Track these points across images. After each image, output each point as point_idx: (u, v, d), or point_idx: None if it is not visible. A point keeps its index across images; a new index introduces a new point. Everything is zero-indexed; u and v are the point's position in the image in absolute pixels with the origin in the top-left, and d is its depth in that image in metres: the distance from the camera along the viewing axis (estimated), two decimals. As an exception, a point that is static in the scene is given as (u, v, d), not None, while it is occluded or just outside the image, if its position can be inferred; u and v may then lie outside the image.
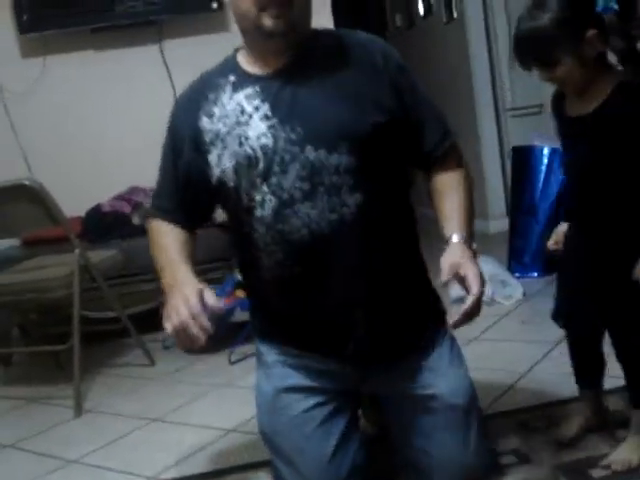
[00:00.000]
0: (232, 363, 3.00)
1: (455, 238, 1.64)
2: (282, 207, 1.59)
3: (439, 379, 1.71)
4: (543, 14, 1.55)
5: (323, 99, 1.62)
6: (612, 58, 1.64)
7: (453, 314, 1.60)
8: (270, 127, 1.60)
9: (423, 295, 1.78)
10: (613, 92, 1.59)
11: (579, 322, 1.81)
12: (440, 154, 1.73)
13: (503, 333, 2.96)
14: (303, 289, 1.65)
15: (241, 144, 1.62)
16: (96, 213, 3.81)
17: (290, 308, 1.71)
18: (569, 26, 1.55)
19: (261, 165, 1.60)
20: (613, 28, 1.59)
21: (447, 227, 1.68)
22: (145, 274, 3.55)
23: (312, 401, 1.72)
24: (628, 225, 1.66)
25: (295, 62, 1.65)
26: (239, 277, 3.22)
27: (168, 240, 1.79)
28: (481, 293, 1.58)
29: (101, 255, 3.09)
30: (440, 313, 1.81)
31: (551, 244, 1.88)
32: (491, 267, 3.51)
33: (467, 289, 1.58)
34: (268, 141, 1.60)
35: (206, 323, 1.52)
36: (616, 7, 1.80)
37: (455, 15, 4.98)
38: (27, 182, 2.65)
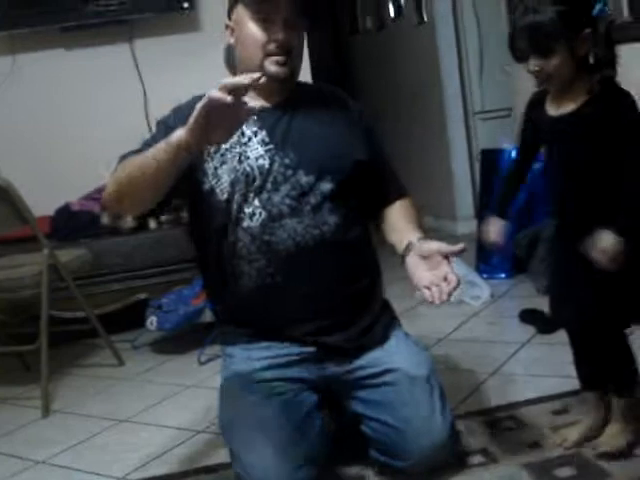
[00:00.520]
0: (202, 363, 3.00)
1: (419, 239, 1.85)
2: (270, 220, 1.79)
3: (396, 356, 1.87)
4: (546, 7, 1.61)
5: (313, 134, 1.86)
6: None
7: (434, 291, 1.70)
8: (267, 151, 1.82)
9: (380, 299, 1.99)
10: (596, 91, 1.64)
11: (582, 317, 1.79)
12: (393, 199, 2.01)
13: (471, 333, 2.99)
14: (280, 296, 1.81)
15: (241, 162, 1.81)
16: (65, 212, 3.78)
17: (263, 313, 1.85)
18: (569, 21, 1.61)
19: (257, 183, 1.80)
20: (602, 32, 1.65)
21: (407, 234, 1.88)
22: (114, 274, 3.54)
23: (276, 389, 1.80)
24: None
25: (288, 100, 1.87)
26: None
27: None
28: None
29: (70, 254, 3.07)
30: (391, 313, 2.01)
31: (490, 236, 1.91)
32: (459, 268, 3.50)
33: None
34: (265, 162, 1.81)
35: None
36: (609, 11, 1.82)
37: (425, 18, 5.01)
38: (-5, 181, 2.63)
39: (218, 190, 1.81)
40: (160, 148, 1.61)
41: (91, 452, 2.29)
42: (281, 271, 1.80)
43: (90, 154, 4.04)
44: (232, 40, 1.87)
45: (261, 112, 1.78)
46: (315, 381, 1.87)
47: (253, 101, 1.74)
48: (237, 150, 1.82)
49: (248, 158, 1.82)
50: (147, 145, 1.79)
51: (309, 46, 2.48)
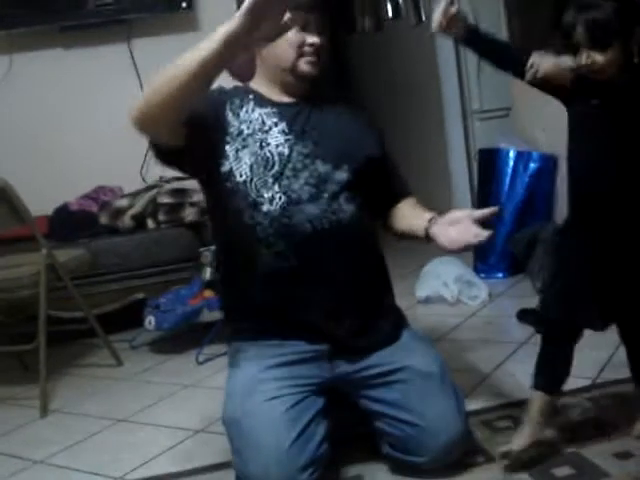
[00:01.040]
0: (200, 363, 3.00)
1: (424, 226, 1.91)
2: (290, 204, 1.84)
3: (408, 353, 1.91)
4: (604, 3, 1.64)
5: (330, 127, 1.95)
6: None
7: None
8: (287, 140, 1.89)
9: (389, 295, 2.05)
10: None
11: (582, 319, 1.78)
12: (401, 197, 2.10)
13: (469, 333, 3.00)
14: (295, 281, 1.85)
15: (262, 147, 1.87)
16: (63, 212, 3.79)
17: (277, 300, 1.88)
18: (627, 17, 1.64)
19: (276, 168, 1.86)
20: None
21: (426, 214, 1.95)
22: (112, 274, 3.55)
23: (286, 389, 1.80)
24: None
25: (309, 97, 1.96)
26: (207, 277, 3.23)
27: None
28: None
29: (68, 254, 3.07)
30: (400, 312, 2.06)
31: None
32: (457, 268, 3.55)
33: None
34: (285, 150, 1.88)
35: None
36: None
37: (423, 18, 5.01)
38: (-7, 181, 2.63)
39: (237, 172, 1.86)
40: (206, 41, 1.64)
41: (89, 452, 2.29)
42: (297, 254, 1.84)
43: (88, 154, 4.06)
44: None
45: (282, 106, 1.93)
46: (325, 380, 1.88)
47: (277, 97, 1.94)
48: (258, 136, 1.88)
49: (269, 144, 1.88)
50: None
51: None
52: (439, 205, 2.11)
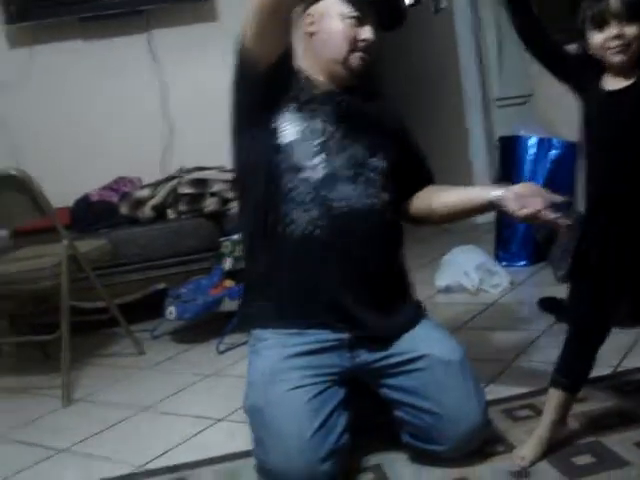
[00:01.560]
0: (221, 353, 3.01)
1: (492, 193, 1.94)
2: (330, 177, 1.88)
3: (428, 342, 1.90)
4: None
5: (367, 118, 2.00)
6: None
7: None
8: (329, 124, 1.92)
9: (406, 282, 2.07)
10: None
11: (612, 318, 1.76)
12: (427, 182, 2.15)
13: (490, 322, 2.99)
14: (325, 257, 1.86)
15: (312, 118, 1.92)
16: (84, 203, 3.81)
17: (304, 276, 1.88)
18: None
19: (320, 139, 1.90)
20: None
21: (480, 188, 2.10)
22: (133, 264, 3.56)
23: (308, 378, 1.80)
24: None
25: (350, 88, 1.98)
26: (227, 267, 3.25)
27: None
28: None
29: (89, 245, 3.09)
30: (419, 301, 2.07)
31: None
32: (478, 256, 3.54)
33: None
34: (331, 128, 1.92)
35: None
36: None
37: (443, 5, 4.98)
38: (15, 172, 2.65)
39: (287, 132, 1.89)
40: None
41: (111, 441, 2.31)
42: (330, 226, 1.86)
43: (108, 145, 4.08)
44: (311, 29, 1.96)
45: (328, 93, 1.96)
46: (346, 370, 1.88)
47: (325, 86, 1.97)
48: (309, 108, 1.92)
49: (317, 118, 1.92)
50: None
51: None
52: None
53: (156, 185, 3.74)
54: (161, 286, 3.49)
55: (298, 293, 1.90)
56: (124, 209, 3.70)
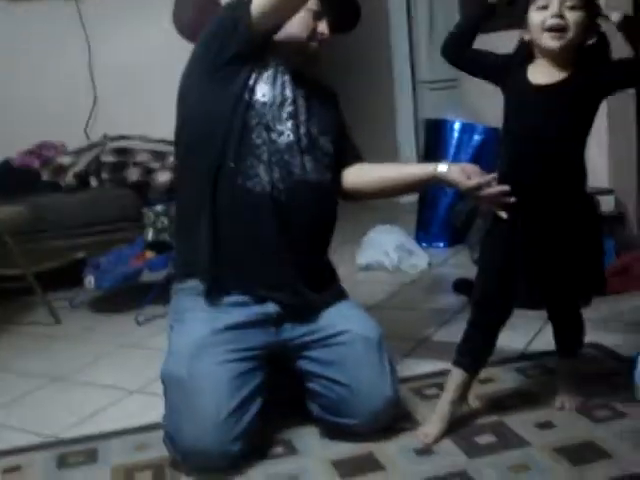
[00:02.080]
0: (139, 324, 3.01)
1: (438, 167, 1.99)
2: (294, 145, 1.95)
3: (349, 319, 1.97)
4: None
5: (319, 101, 2.07)
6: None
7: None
8: (299, 96, 2.01)
9: (332, 263, 2.14)
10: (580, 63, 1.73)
11: (514, 299, 1.82)
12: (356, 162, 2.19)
13: (404, 302, 3.06)
14: (275, 213, 1.90)
15: (283, 87, 1.98)
16: (5, 167, 3.74)
17: (250, 227, 1.91)
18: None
19: (291, 108, 1.97)
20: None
21: (421, 167, 2.16)
22: (54, 231, 3.51)
23: (234, 353, 1.82)
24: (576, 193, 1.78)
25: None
26: (149, 238, 3.24)
27: None
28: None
29: (8, 211, 3.04)
30: (337, 281, 2.12)
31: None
32: (398, 237, 3.61)
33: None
34: (297, 102, 2.00)
35: None
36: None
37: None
38: None
39: (259, 91, 1.94)
40: None
41: (24, 410, 2.30)
42: (287, 191, 1.92)
43: (33, 110, 3.99)
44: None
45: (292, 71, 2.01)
46: (270, 345, 1.90)
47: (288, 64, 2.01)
48: (280, 81, 1.97)
49: (288, 87, 1.98)
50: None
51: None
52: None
53: (79, 152, 3.69)
54: (81, 255, 3.45)
55: (239, 244, 1.92)
56: (46, 175, 3.65)
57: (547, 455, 1.72)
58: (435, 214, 3.92)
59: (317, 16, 2.00)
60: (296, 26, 1.97)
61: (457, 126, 3.89)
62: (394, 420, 1.91)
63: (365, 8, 2.13)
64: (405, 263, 3.49)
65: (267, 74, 1.96)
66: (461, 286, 2.99)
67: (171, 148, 3.57)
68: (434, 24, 5.04)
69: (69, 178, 3.58)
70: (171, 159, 3.56)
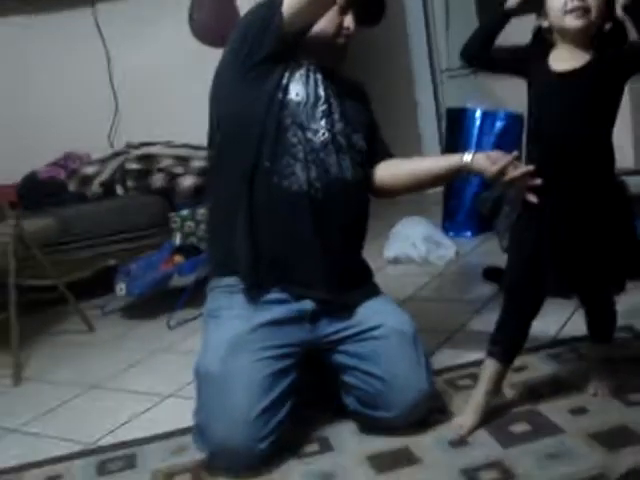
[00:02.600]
0: (171, 328, 3.03)
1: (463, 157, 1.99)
2: (330, 143, 1.96)
3: (384, 314, 1.97)
4: None
5: (351, 99, 2.08)
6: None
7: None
8: (332, 95, 2.01)
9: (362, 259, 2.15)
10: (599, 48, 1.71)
11: (546, 287, 1.81)
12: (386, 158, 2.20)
13: (435, 293, 3.05)
14: (313, 212, 1.91)
15: (316, 86, 1.98)
16: (31, 180, 3.78)
17: (288, 225, 1.92)
18: None
19: (324, 106, 1.98)
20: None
21: (448, 158, 2.11)
22: (82, 241, 3.54)
23: (269, 350, 1.83)
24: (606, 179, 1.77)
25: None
26: (177, 242, 3.26)
27: None
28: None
29: (36, 224, 3.07)
30: (372, 277, 2.14)
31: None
32: (425, 228, 3.59)
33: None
34: (331, 101, 2.00)
35: None
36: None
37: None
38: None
39: (293, 90, 1.94)
40: None
41: (62, 419, 2.32)
42: (324, 190, 1.93)
43: (55, 121, 4.03)
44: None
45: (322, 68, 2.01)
46: (305, 343, 1.91)
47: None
48: (312, 80, 1.98)
49: (321, 86, 1.99)
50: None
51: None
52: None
53: (103, 161, 3.72)
54: (111, 262, 3.48)
55: (276, 242, 1.93)
56: (72, 186, 3.68)
57: (581, 441, 1.71)
58: (461, 203, 3.90)
59: (342, 11, 1.99)
60: (322, 22, 1.97)
61: (478, 114, 3.87)
62: (430, 413, 1.91)
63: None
64: (433, 254, 3.47)
65: (299, 73, 1.96)
66: (491, 273, 2.98)
67: (194, 152, 3.64)
68: (450, 11, 5.01)
69: (95, 187, 3.61)
70: (195, 163, 3.59)
